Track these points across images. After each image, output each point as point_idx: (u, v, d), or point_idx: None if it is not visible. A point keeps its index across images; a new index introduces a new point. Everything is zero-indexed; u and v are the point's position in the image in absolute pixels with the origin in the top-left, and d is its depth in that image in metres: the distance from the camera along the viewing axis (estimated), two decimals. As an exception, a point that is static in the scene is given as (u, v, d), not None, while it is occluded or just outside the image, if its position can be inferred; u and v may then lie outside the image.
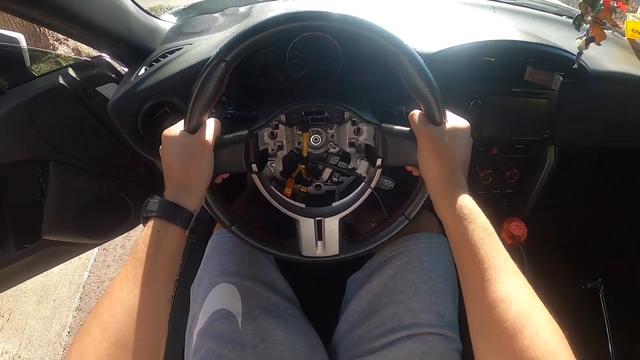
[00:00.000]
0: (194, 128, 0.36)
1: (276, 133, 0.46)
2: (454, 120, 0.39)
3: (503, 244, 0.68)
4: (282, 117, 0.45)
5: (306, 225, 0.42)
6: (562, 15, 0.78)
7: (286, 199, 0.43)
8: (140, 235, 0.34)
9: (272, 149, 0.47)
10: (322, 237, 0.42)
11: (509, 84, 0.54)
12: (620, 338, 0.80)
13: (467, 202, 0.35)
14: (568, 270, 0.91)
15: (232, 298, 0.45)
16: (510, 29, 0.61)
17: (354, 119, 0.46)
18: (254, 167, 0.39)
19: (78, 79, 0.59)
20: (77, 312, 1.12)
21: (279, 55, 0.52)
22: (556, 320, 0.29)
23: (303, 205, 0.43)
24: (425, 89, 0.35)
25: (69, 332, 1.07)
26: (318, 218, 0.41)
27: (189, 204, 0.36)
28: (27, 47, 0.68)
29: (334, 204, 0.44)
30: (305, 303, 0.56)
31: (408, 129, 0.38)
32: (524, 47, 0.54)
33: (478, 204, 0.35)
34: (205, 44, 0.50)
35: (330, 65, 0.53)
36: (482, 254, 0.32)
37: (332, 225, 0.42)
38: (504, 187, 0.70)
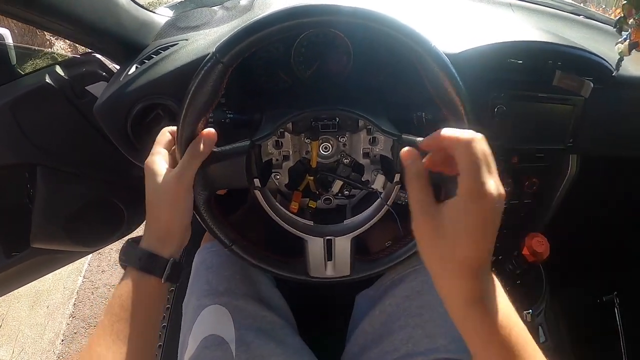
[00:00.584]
0: (187, 139, 0.32)
1: (281, 142, 0.42)
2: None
3: (523, 261, 0.63)
4: (289, 125, 0.41)
5: (315, 245, 0.38)
6: (579, 15, 0.74)
7: (293, 216, 0.39)
8: (117, 284, 0.32)
9: (277, 160, 0.42)
10: (332, 257, 0.38)
11: (534, 88, 0.51)
12: (634, 352, 0.76)
13: (509, 320, 0.24)
14: (583, 283, 0.88)
15: (224, 322, 0.42)
16: (533, 29, 0.57)
17: (370, 127, 0.41)
18: (257, 182, 0.35)
19: (66, 78, 0.55)
20: (70, 319, 1.08)
21: (283, 52, 0.47)
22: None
23: (311, 223, 0.39)
24: (454, 96, 0.31)
25: (62, 340, 1.04)
26: (328, 237, 0.37)
27: (166, 252, 0.33)
28: (14, 43, 0.64)
29: (345, 222, 0.40)
30: (307, 320, 0.52)
31: None
32: (554, 49, 0.50)
33: None
34: (203, 40, 0.45)
35: (340, 64, 0.48)
36: None
37: (343, 244, 0.38)
38: (522, 197, 0.67)
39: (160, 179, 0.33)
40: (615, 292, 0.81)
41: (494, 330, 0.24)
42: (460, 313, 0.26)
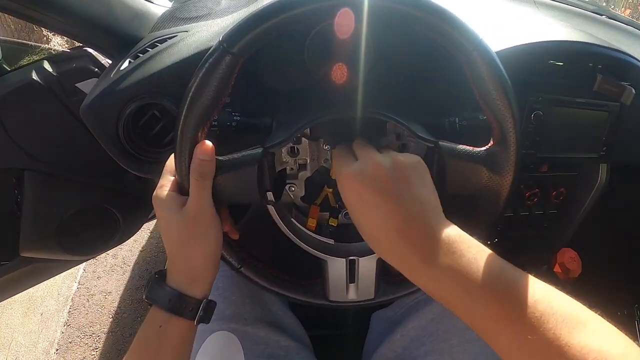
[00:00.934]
0: (190, 147, 0.27)
1: (297, 149, 0.36)
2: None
3: (555, 279, 0.58)
4: (306, 129, 0.36)
5: (336, 266, 0.33)
6: (601, 15, 0.70)
7: (312, 234, 0.34)
8: (144, 320, 0.30)
9: (292, 169, 0.37)
10: (354, 279, 0.34)
11: (572, 93, 0.47)
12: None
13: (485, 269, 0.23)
14: (604, 295, 0.84)
15: (232, 349, 0.38)
16: (569, 29, 0.53)
17: (400, 132, 0.36)
18: (270, 195, 0.30)
19: (55, 74, 0.50)
20: (65, 327, 1.03)
21: (295, 46, 0.42)
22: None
23: (332, 242, 0.34)
24: (501, 102, 0.27)
25: (56, 350, 0.99)
26: (351, 258, 0.33)
27: (198, 292, 0.29)
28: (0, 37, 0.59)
29: None
30: (318, 339, 0.48)
31: (475, 149, 0.29)
32: (598, 52, 0.46)
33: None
34: (205, 32, 0.40)
35: (357, 60, 0.43)
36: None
37: (368, 265, 0.33)
38: (547, 208, 0.63)
39: (176, 213, 0.28)
40: (636, 305, 0.78)
41: (469, 285, 0.23)
42: (416, 279, 0.25)
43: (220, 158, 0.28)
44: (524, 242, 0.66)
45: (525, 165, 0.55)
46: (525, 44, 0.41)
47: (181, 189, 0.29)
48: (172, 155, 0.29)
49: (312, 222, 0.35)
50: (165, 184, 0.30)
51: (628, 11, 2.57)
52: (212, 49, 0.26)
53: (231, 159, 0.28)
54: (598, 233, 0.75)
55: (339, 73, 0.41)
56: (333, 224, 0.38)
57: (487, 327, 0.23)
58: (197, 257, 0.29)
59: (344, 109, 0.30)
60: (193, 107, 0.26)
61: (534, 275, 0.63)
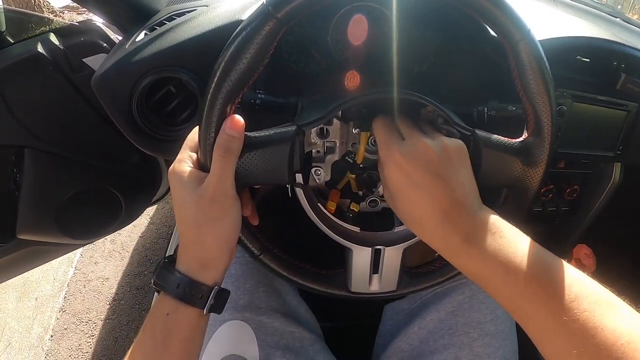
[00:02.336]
0: (218, 120, 0.25)
1: (327, 130, 0.35)
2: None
3: None
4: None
5: (361, 255, 0.32)
6: (616, 17, 0.71)
7: (338, 221, 0.32)
8: (150, 312, 0.28)
9: (318, 152, 0.36)
10: (378, 269, 0.33)
11: (595, 90, 0.47)
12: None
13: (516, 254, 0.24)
14: (618, 291, 0.85)
15: (246, 340, 0.37)
16: (597, 27, 0.53)
17: (432, 119, 0.35)
18: (299, 177, 0.29)
19: (61, 47, 0.48)
20: (60, 313, 1.01)
21: (319, 28, 0.40)
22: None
23: (357, 229, 0.33)
24: (541, 95, 0.27)
25: (51, 336, 0.97)
26: (377, 247, 0.32)
27: (209, 279, 0.28)
28: (4, 6, 0.57)
29: (396, 229, 0.33)
30: (328, 331, 0.47)
31: (511, 140, 0.29)
32: (624, 51, 0.46)
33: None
34: (226, 7, 0.39)
35: (380, 45, 0.42)
36: None
37: (393, 256, 0.32)
38: (560, 204, 0.63)
39: (193, 191, 0.26)
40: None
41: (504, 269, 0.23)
42: (456, 260, 0.26)
43: (249, 134, 0.26)
44: (534, 239, 0.65)
45: None
46: (558, 37, 0.41)
47: (202, 165, 0.27)
48: (195, 129, 0.27)
49: (331, 205, 0.34)
50: (185, 158, 0.28)
51: (636, 16, 2.60)
52: (254, 12, 0.24)
53: (262, 135, 0.26)
54: (612, 230, 0.75)
55: (357, 56, 0.40)
56: (355, 208, 0.36)
57: (523, 307, 0.23)
58: (212, 241, 0.27)
59: (383, 90, 0.29)
60: (227, 74, 0.24)
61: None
